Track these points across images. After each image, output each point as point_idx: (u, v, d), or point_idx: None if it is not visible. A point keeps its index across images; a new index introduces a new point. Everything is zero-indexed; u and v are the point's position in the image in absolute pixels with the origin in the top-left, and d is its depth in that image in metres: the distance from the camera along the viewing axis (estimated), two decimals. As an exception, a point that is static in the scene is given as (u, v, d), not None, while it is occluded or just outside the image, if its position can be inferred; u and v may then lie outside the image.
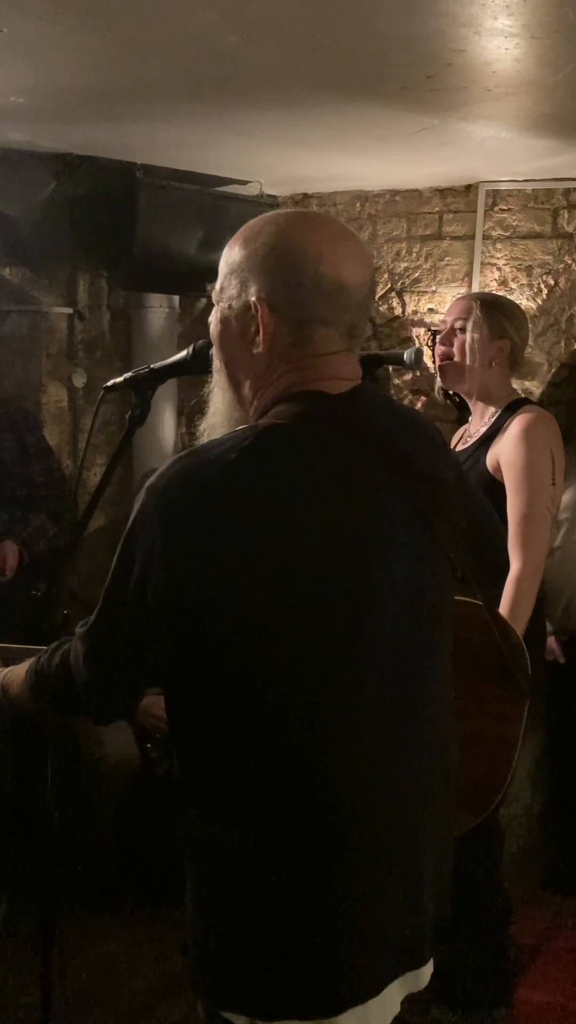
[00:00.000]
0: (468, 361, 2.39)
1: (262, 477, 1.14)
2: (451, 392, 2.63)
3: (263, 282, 1.20)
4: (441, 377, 2.51)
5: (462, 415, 2.76)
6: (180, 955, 2.72)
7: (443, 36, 1.79)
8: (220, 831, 1.19)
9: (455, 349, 2.42)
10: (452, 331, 2.43)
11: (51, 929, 2.07)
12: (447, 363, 2.45)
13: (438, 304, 3.58)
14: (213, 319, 1.29)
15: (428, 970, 1.31)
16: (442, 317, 3.56)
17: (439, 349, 2.49)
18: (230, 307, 1.25)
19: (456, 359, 2.42)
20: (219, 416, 1.31)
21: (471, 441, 2.43)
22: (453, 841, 1.34)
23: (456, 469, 1.44)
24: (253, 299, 1.21)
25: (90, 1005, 2.56)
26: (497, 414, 2.40)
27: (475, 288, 3.43)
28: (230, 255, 1.25)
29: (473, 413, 2.49)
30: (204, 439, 1.29)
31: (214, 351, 1.31)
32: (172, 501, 1.14)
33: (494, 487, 2.27)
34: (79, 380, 3.79)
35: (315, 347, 1.22)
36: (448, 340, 2.44)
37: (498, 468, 2.31)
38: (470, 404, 2.50)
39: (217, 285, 1.27)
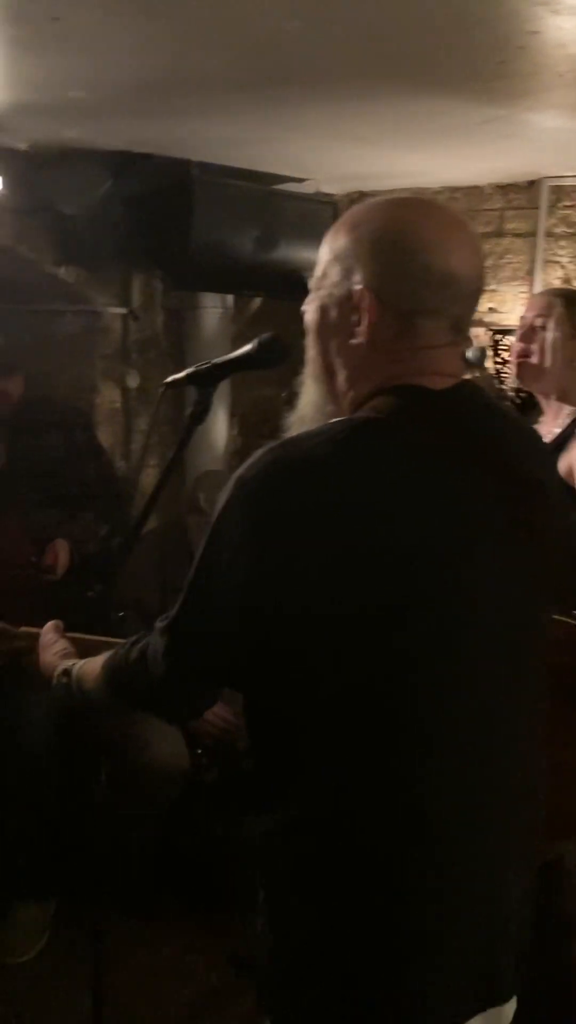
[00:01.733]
0: (548, 360, 2.29)
1: (356, 472, 1.08)
2: (520, 391, 2.54)
3: (369, 270, 1.15)
4: (518, 375, 2.41)
5: (526, 415, 2.68)
6: (228, 964, 2.67)
7: (517, 16, 1.72)
8: (299, 840, 1.15)
9: (534, 347, 2.32)
10: (531, 328, 2.33)
11: (101, 933, 2.04)
12: (524, 361, 2.35)
13: (498, 303, 3.50)
14: (310, 307, 1.24)
15: (512, 1007, 1.24)
16: (502, 316, 3.50)
17: (517, 346, 2.39)
18: (330, 295, 1.20)
19: (534, 358, 2.32)
20: (310, 408, 1.26)
21: None
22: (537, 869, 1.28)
23: (555, 476, 1.37)
24: (358, 287, 1.16)
25: (137, 1012, 2.52)
26: (574, 415, 2.30)
27: (537, 287, 3.34)
28: (334, 241, 1.20)
29: (546, 414, 2.40)
30: (293, 430, 1.24)
31: (308, 340, 1.26)
32: (262, 492, 1.10)
33: (567, 494, 2.18)
34: (132, 381, 3.78)
35: (419, 339, 1.16)
36: (527, 337, 2.34)
37: (571, 474, 2.22)
38: (544, 405, 2.40)
39: (317, 272, 1.22)
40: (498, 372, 3.37)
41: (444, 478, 1.12)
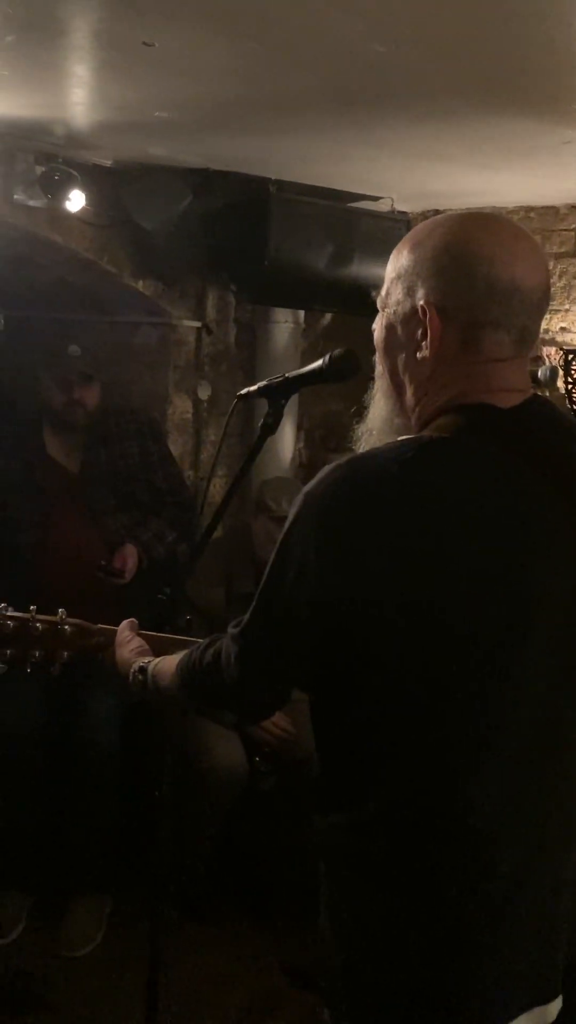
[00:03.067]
0: None
1: (423, 491, 1.10)
2: None
3: (432, 285, 1.17)
4: None
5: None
6: (280, 972, 2.69)
7: (599, 41, 1.73)
8: (363, 843, 1.17)
9: None
10: None
11: (157, 933, 2.07)
12: None
13: (571, 323, 3.47)
14: (377, 325, 1.26)
15: (557, 1006, 1.25)
16: (574, 336, 3.48)
17: None
18: (395, 312, 1.22)
19: None
20: (378, 422, 1.28)
21: None
22: None
23: None
24: (421, 303, 1.17)
25: (190, 1015, 2.55)
26: None
27: (611, 308, 3.32)
28: (397, 260, 1.23)
29: None
30: (362, 443, 1.28)
31: (377, 357, 1.28)
32: (329, 508, 1.12)
33: None
34: (204, 392, 3.85)
35: (484, 352, 1.17)
36: None
37: None
38: None
39: (383, 291, 1.25)
40: (569, 392, 3.35)
41: (511, 496, 1.12)
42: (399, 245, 1.23)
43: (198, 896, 2.96)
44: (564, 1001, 1.26)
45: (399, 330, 1.22)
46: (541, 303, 1.19)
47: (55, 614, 1.60)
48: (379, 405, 1.29)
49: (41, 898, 2.91)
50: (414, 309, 1.19)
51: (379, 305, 1.26)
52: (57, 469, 2.98)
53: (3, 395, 3.95)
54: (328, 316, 4.09)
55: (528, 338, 1.19)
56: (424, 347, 1.18)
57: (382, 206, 3.57)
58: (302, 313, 3.92)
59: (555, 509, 1.15)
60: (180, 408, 3.83)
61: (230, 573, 3.00)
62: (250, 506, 3.34)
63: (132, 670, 1.48)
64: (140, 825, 2.55)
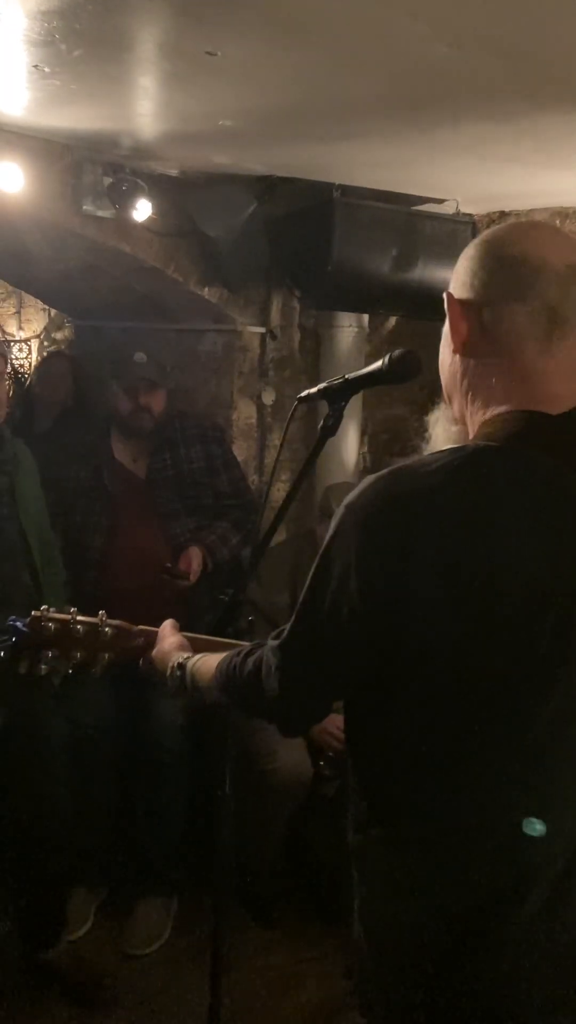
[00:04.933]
0: None
1: (468, 499, 1.09)
2: None
3: (466, 280, 1.18)
4: None
5: None
6: (343, 978, 2.68)
7: None
8: (395, 852, 1.16)
9: None
10: None
11: (223, 935, 2.09)
12: None
13: None
14: (444, 329, 1.27)
15: None
16: None
17: None
18: (451, 311, 1.22)
19: None
20: (438, 428, 1.29)
21: None
22: None
23: None
24: (457, 297, 1.19)
25: (253, 1016, 2.56)
26: None
27: None
28: (460, 262, 1.23)
29: None
30: (427, 449, 1.27)
31: (440, 361, 1.29)
32: (370, 518, 1.12)
33: None
34: (268, 398, 3.87)
35: (505, 327, 1.15)
36: None
37: None
38: None
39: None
40: None
41: (559, 505, 1.10)
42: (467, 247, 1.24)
43: (264, 898, 2.98)
44: None
45: (446, 330, 1.23)
46: (571, 280, 1.14)
47: (121, 619, 1.61)
48: (441, 410, 1.29)
49: (109, 897, 2.96)
50: (461, 308, 1.19)
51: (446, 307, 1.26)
52: (125, 474, 3.04)
53: (76, 403, 4.05)
54: (393, 320, 4.08)
55: (559, 319, 1.13)
56: (452, 342, 1.19)
57: (447, 209, 3.55)
58: (366, 317, 3.92)
59: None
60: (244, 413, 3.86)
61: (296, 579, 3.01)
62: (315, 512, 3.34)
63: (171, 665, 1.48)
64: (207, 826, 2.57)
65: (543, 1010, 1.14)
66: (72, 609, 1.58)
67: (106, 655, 1.58)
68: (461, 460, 1.11)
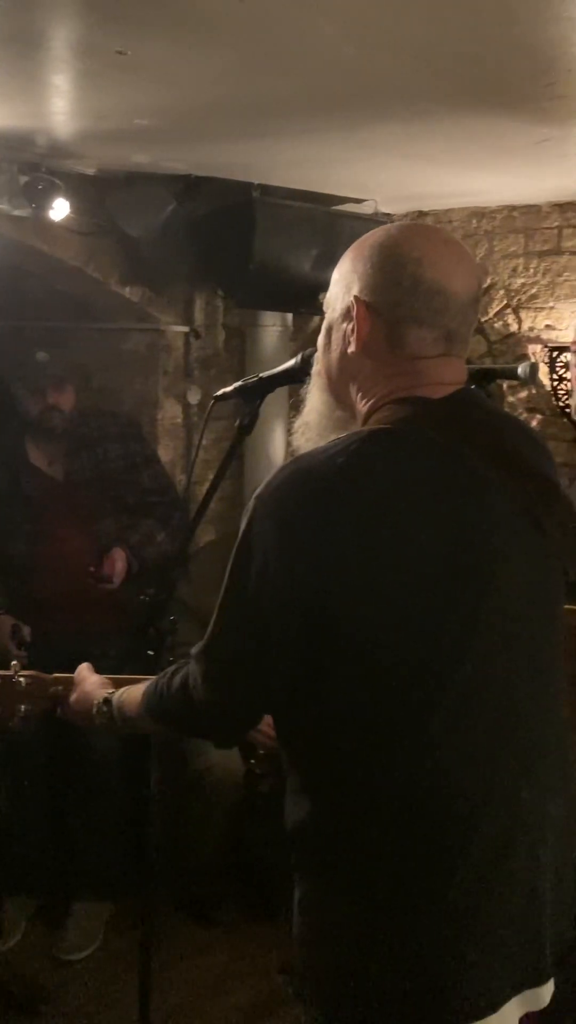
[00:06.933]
0: None
1: (372, 479, 1.13)
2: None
3: (362, 283, 1.23)
4: None
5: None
6: (279, 973, 2.70)
7: (564, 42, 1.75)
8: (333, 834, 1.18)
9: None
10: None
11: (151, 936, 2.09)
12: None
13: (555, 320, 3.49)
14: (322, 328, 1.32)
15: (549, 989, 1.26)
16: (559, 333, 3.49)
17: None
18: (334, 311, 1.28)
19: None
20: (314, 415, 1.34)
21: None
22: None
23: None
24: (351, 298, 1.23)
25: (188, 1016, 2.56)
26: None
27: (595, 304, 3.34)
28: (340, 266, 1.28)
29: None
30: (297, 435, 1.34)
31: (316, 356, 1.34)
32: (283, 508, 1.13)
33: None
34: (194, 397, 3.87)
35: (410, 349, 1.22)
36: None
37: None
38: None
39: (327, 297, 1.31)
40: (555, 389, 3.37)
41: (453, 477, 1.16)
42: (344, 254, 1.29)
43: (203, 898, 2.98)
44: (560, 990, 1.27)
45: (335, 328, 1.28)
46: (469, 307, 1.23)
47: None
48: (314, 399, 1.34)
49: (43, 904, 2.93)
50: (347, 306, 1.24)
51: (324, 308, 1.31)
52: (42, 478, 2.99)
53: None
54: (316, 319, 4.11)
55: (457, 339, 1.23)
56: (352, 341, 1.23)
57: (366, 208, 3.59)
58: (290, 316, 3.94)
59: (497, 487, 1.18)
60: (170, 413, 3.86)
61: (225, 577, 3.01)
62: (245, 509, 3.35)
63: (96, 703, 1.46)
64: (138, 830, 2.56)
65: (481, 991, 1.16)
66: None
67: (22, 707, 1.54)
68: (358, 443, 1.15)
